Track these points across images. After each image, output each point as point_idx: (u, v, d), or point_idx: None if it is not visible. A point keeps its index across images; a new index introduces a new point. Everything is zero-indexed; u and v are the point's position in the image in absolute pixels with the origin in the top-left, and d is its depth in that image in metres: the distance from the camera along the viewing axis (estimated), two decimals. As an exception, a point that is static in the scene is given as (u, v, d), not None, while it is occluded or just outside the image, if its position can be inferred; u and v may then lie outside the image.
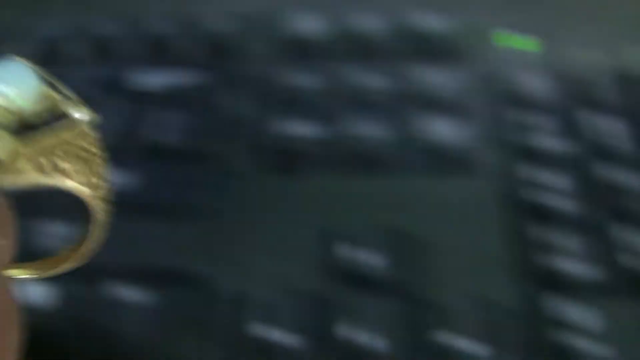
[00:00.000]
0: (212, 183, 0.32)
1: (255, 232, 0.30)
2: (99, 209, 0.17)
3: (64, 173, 0.16)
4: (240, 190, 0.32)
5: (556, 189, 0.31)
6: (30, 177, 0.15)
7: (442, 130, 0.33)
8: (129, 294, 0.29)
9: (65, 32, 0.39)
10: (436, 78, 0.35)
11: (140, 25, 0.39)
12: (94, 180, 0.17)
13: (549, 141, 0.33)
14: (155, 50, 0.38)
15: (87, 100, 0.17)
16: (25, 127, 0.15)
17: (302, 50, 0.37)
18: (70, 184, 0.16)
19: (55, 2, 0.41)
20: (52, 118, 0.16)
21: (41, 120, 0.15)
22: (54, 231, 0.31)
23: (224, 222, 0.31)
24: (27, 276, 0.19)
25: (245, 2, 0.40)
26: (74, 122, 0.16)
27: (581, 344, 0.27)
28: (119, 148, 0.32)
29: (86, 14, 0.40)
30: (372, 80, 0.35)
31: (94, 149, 0.17)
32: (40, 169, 0.15)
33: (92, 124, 0.16)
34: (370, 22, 0.38)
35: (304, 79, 0.36)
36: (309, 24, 0.38)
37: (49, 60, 0.37)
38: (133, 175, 0.32)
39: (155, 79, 0.36)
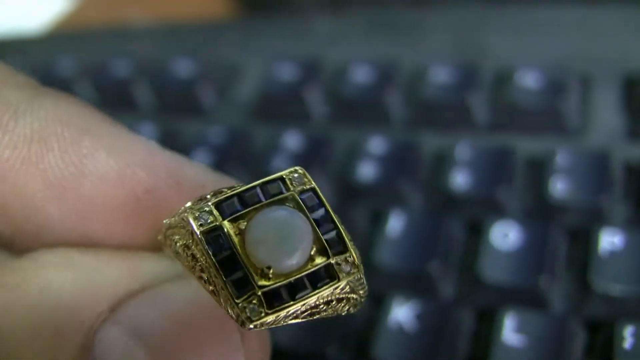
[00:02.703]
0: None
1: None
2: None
3: (320, 312, 0.19)
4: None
5: None
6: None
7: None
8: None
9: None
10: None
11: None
12: (348, 308, 0.20)
13: None
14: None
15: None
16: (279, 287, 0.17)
17: None
18: (321, 317, 0.19)
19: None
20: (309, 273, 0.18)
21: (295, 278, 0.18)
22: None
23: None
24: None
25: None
26: (335, 277, 0.18)
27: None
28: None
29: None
30: None
31: (355, 288, 0.19)
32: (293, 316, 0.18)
33: (352, 278, 0.18)
34: None
35: None
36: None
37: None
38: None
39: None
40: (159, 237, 0.20)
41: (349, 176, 0.37)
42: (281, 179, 0.19)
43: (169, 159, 0.21)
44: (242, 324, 0.17)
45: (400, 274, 0.32)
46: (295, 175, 0.19)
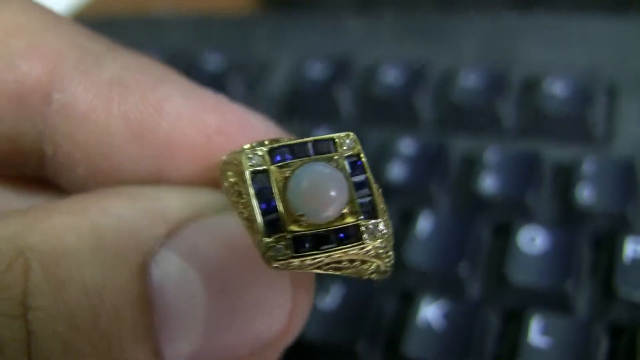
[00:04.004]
0: None
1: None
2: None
3: (342, 268, 0.20)
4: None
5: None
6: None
7: None
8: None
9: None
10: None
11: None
12: (373, 271, 0.21)
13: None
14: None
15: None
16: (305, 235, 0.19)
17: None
18: (343, 274, 0.20)
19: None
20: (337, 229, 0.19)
21: (325, 230, 0.19)
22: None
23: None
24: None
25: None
26: (359, 238, 0.19)
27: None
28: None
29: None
30: None
31: (378, 251, 0.20)
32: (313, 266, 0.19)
33: (375, 243, 0.19)
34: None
35: None
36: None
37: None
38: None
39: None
40: (217, 174, 0.21)
41: (378, 175, 0.38)
42: (332, 140, 0.20)
43: (236, 107, 0.23)
44: (267, 261, 0.18)
45: (428, 274, 0.33)
46: (347, 139, 0.20)
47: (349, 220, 0.19)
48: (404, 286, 0.34)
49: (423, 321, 0.32)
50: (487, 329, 0.31)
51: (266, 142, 0.20)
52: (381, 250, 0.20)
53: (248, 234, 0.19)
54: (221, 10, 0.60)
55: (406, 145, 0.38)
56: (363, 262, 0.20)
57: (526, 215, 0.35)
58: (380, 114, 0.41)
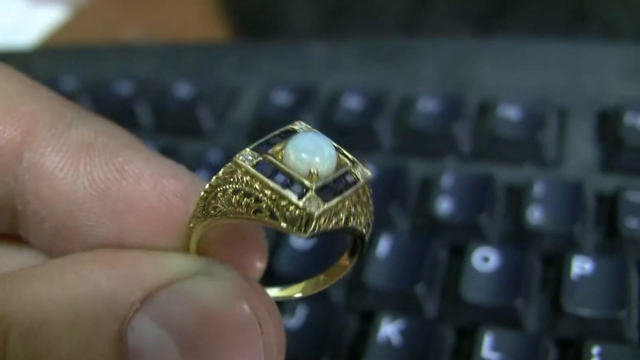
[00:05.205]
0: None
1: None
2: (364, 244, 0.23)
3: (352, 216, 0.21)
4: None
5: None
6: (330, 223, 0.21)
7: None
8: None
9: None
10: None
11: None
12: (368, 222, 0.23)
13: None
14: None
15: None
16: (323, 186, 0.21)
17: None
18: (353, 225, 0.22)
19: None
20: (340, 176, 0.21)
21: (333, 179, 0.21)
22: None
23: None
24: (288, 297, 0.27)
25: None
26: (357, 180, 0.21)
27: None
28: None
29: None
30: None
31: (369, 200, 0.23)
32: (337, 218, 0.21)
33: (368, 181, 0.22)
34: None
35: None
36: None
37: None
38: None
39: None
40: (191, 224, 0.23)
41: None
42: (292, 129, 0.22)
43: (193, 175, 0.25)
44: (307, 223, 0.20)
45: (388, 294, 0.35)
46: (301, 124, 0.23)
47: (341, 170, 0.21)
48: (365, 305, 0.35)
49: (383, 338, 0.33)
50: (443, 345, 0.33)
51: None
52: (369, 194, 0.23)
53: (272, 224, 0.20)
54: (192, 38, 0.62)
55: (367, 170, 0.40)
56: (362, 205, 0.22)
57: (480, 236, 0.37)
58: (342, 139, 0.43)
